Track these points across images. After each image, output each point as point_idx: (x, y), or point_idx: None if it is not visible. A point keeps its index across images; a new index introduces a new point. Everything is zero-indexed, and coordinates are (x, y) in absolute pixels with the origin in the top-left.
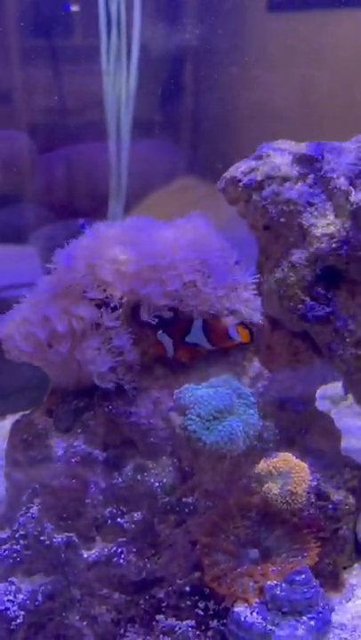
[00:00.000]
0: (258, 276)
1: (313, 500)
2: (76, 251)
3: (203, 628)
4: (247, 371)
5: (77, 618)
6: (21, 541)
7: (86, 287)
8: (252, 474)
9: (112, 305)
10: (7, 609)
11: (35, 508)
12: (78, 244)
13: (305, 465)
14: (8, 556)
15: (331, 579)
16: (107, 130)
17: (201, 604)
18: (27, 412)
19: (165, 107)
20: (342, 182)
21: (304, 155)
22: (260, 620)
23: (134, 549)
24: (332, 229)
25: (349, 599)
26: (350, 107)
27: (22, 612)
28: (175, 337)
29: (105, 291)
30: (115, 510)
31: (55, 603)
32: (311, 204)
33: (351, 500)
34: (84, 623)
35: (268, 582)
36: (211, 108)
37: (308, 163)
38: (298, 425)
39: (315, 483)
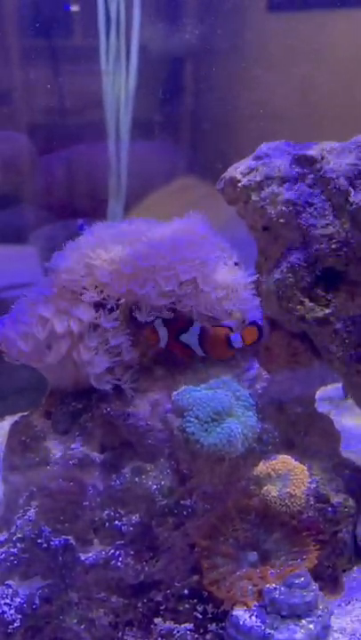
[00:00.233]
0: (257, 276)
1: (312, 503)
2: (73, 252)
3: (201, 631)
4: (246, 372)
5: (75, 621)
6: (19, 544)
7: (84, 288)
8: (251, 476)
9: (110, 306)
10: (4, 612)
11: (32, 510)
12: (76, 245)
13: (304, 467)
14: (5, 559)
15: (330, 582)
16: (106, 130)
17: (199, 608)
18: (25, 414)
19: (165, 107)
20: (342, 183)
21: (303, 155)
22: (258, 624)
23: (132, 552)
24: (331, 230)
25: (349, 602)
26: (350, 107)
27: (19, 616)
28: (171, 331)
29: (103, 292)
30: (112, 513)
31: (53, 606)
32: (310, 205)
33: (351, 502)
34: (82, 627)
35: (267, 585)
36: (210, 108)
37: (307, 163)
38: (297, 427)
39: (314, 485)
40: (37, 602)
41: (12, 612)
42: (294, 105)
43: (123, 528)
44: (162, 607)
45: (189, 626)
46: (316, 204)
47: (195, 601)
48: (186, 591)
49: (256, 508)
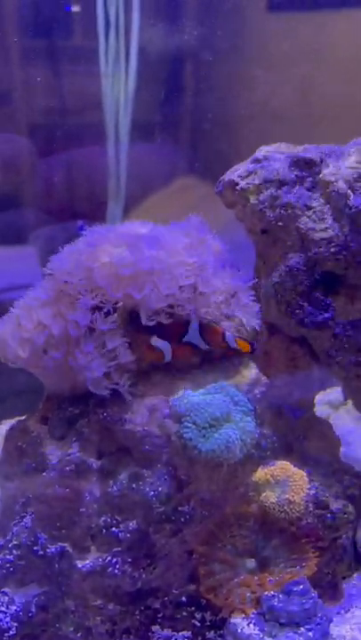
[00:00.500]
0: (255, 280)
1: (311, 509)
2: (71, 254)
3: (199, 639)
4: (244, 377)
5: (71, 629)
6: (14, 551)
7: (81, 291)
8: (250, 482)
9: (107, 309)
10: (0, 620)
11: (28, 517)
12: (74, 248)
13: (303, 473)
14: (1, 566)
15: (329, 589)
16: (105, 131)
17: (197, 615)
18: (21, 419)
19: (164, 108)
20: (341, 186)
21: (302, 158)
22: (257, 632)
23: (129, 559)
24: (330, 233)
25: (348, 609)
26: (350, 107)
27: (15, 624)
28: (173, 339)
29: (100, 295)
30: (109, 519)
31: (49, 614)
32: (309, 208)
33: (350, 508)
34: (79, 634)
35: (266, 593)
36: (210, 109)
37: (306, 166)
38: (296, 432)
39: (313, 491)
40: (33, 609)
41: (8, 619)
42: (294, 105)
43: (120, 535)
44: (159, 615)
45: (187, 633)
46: (315, 208)
47: (193, 608)
48: (184, 598)
49: (254, 514)
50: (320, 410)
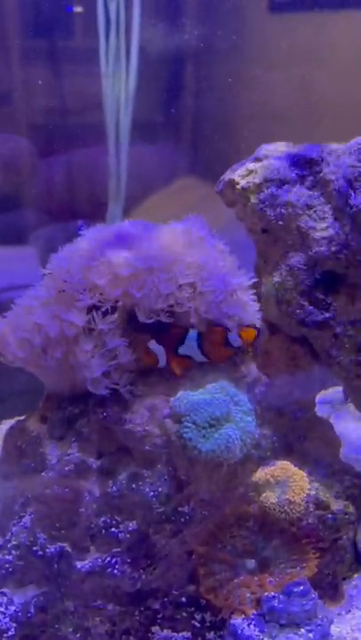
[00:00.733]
0: (256, 279)
1: (312, 510)
2: (70, 254)
3: (199, 639)
4: (244, 376)
5: (71, 630)
6: (13, 551)
7: (80, 291)
8: (250, 482)
9: (106, 309)
10: None
11: (27, 517)
12: (73, 248)
13: (304, 473)
14: (0, 567)
15: (330, 589)
16: (106, 131)
17: (197, 616)
18: (21, 419)
19: (165, 108)
20: (342, 185)
21: (303, 157)
22: (257, 633)
23: (129, 560)
24: (331, 233)
25: (349, 610)
26: (351, 107)
27: (14, 624)
28: (168, 347)
29: (99, 294)
30: (109, 520)
31: (48, 615)
32: (310, 207)
33: (351, 509)
34: (78, 635)
35: (266, 593)
36: (211, 109)
37: (307, 165)
38: (296, 432)
39: (314, 492)
40: (32, 610)
41: (7, 620)
42: (295, 105)
43: (119, 535)
44: (159, 615)
45: (187, 634)
46: (315, 207)
47: (193, 609)
48: (184, 599)
49: (255, 514)
50: (321, 409)
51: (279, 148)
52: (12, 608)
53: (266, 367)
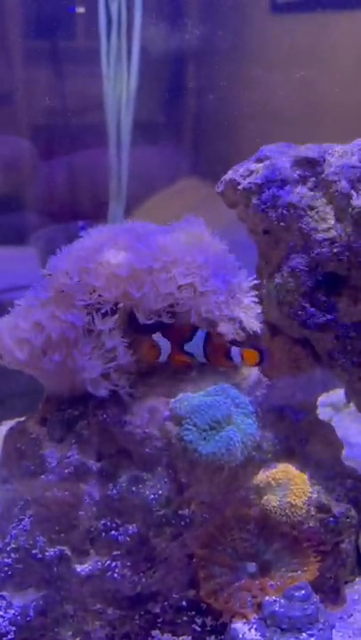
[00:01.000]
0: (257, 281)
1: (313, 513)
2: (70, 255)
3: None
4: (246, 378)
5: (70, 634)
6: (13, 554)
7: (80, 292)
8: (251, 485)
9: (105, 309)
10: None
11: (27, 520)
12: (73, 249)
13: (305, 476)
14: None
15: (331, 593)
16: (107, 132)
17: (198, 620)
18: (21, 420)
19: (167, 108)
20: (344, 186)
21: (305, 157)
22: (258, 637)
23: (129, 563)
24: (333, 234)
25: (351, 615)
26: (353, 108)
27: (13, 628)
28: (175, 341)
29: (99, 295)
30: (109, 523)
31: (47, 618)
32: (312, 208)
33: (353, 512)
34: (78, 639)
35: (267, 597)
36: (213, 110)
37: (308, 166)
38: (298, 434)
39: (315, 495)
40: (32, 614)
41: (6, 623)
42: (297, 106)
43: (119, 538)
44: (159, 619)
45: (188, 638)
46: (317, 208)
47: (193, 613)
48: (184, 603)
49: (256, 517)
50: (322, 412)
51: (281, 148)
52: (12, 611)
53: (267, 369)
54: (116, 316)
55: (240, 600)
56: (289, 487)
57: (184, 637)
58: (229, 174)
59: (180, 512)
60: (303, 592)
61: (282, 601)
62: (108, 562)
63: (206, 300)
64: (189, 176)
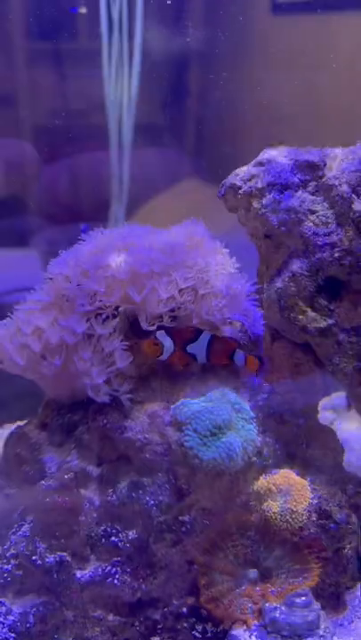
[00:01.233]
0: (259, 286)
1: (314, 519)
2: (70, 259)
3: None
4: (246, 383)
5: None
6: (12, 561)
7: (80, 296)
8: (252, 491)
9: (106, 314)
10: None
11: (27, 525)
12: (73, 252)
13: (306, 482)
14: None
15: (332, 600)
16: (109, 134)
17: (198, 627)
18: (21, 424)
19: (168, 110)
20: (345, 190)
21: (306, 161)
22: None
23: (129, 569)
24: (334, 238)
25: (352, 621)
26: (355, 110)
27: (13, 635)
28: (178, 341)
29: (99, 300)
30: (109, 529)
31: (47, 625)
32: (313, 212)
33: (354, 518)
34: None
35: (268, 604)
36: (214, 111)
37: (309, 169)
38: (299, 440)
39: (316, 501)
40: (31, 620)
41: (6, 630)
42: (298, 108)
43: (119, 544)
44: (159, 626)
45: None
46: (318, 212)
47: (193, 620)
48: (184, 609)
49: (256, 523)
50: (323, 415)
51: (282, 152)
52: (11, 618)
53: (268, 373)
54: (117, 321)
55: (241, 606)
56: (290, 493)
57: None
58: (230, 178)
59: (180, 518)
60: (304, 599)
61: (283, 607)
62: (109, 568)
63: (207, 304)
64: (191, 178)
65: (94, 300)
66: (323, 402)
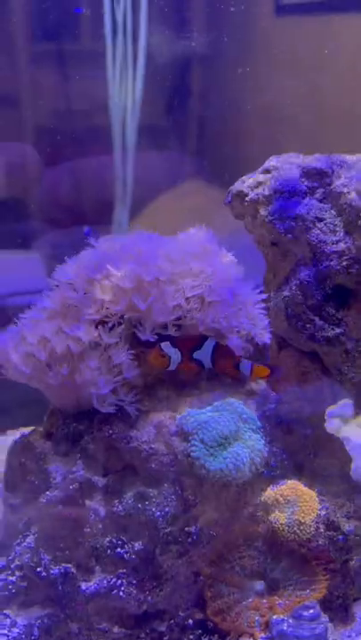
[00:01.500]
0: (266, 295)
1: (322, 530)
2: (76, 267)
3: None
4: (253, 393)
5: None
6: (17, 572)
7: (86, 305)
8: (259, 502)
9: (112, 323)
10: None
11: (31, 536)
12: (79, 260)
13: (314, 493)
14: (3, 588)
15: (340, 612)
16: (112, 135)
17: (204, 639)
18: (25, 433)
19: (172, 112)
20: (353, 198)
21: (313, 168)
22: None
23: (135, 581)
24: (342, 247)
25: (360, 633)
26: (359, 111)
27: None
28: (184, 350)
29: (105, 308)
30: (115, 540)
31: (52, 637)
32: (321, 220)
33: None
34: None
35: (275, 617)
36: (218, 113)
37: (317, 177)
38: (306, 449)
39: (324, 512)
40: (36, 633)
41: None
42: (303, 110)
43: (125, 556)
44: (165, 638)
45: None
46: (326, 220)
47: (199, 632)
48: (190, 622)
49: (264, 535)
50: (329, 423)
51: (289, 159)
52: (16, 630)
53: (275, 382)
54: (122, 329)
55: (248, 619)
56: (297, 504)
57: None
58: (237, 185)
59: (186, 529)
60: (312, 611)
61: (290, 620)
62: (114, 580)
63: (214, 312)
64: (195, 179)
65: (100, 308)
66: (329, 410)
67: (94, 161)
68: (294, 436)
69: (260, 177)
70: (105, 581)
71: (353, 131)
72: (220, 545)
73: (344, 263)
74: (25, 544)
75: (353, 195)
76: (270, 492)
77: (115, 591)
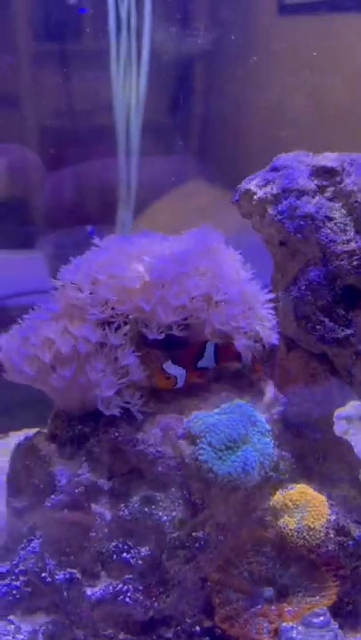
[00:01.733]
0: (274, 295)
1: (332, 536)
2: (81, 267)
3: None
4: (261, 395)
5: None
6: (21, 577)
7: (91, 305)
8: (267, 507)
9: (117, 323)
10: None
11: (36, 541)
12: (84, 260)
13: (324, 498)
14: (7, 593)
15: (350, 618)
16: (116, 135)
17: None
18: (29, 435)
19: (176, 111)
20: None
21: (323, 167)
22: None
23: (141, 587)
24: (353, 246)
25: None
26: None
27: None
28: (188, 364)
29: (110, 309)
30: (120, 545)
31: None
32: (330, 219)
33: None
34: None
35: (284, 624)
36: (221, 113)
37: (327, 175)
38: (315, 453)
39: (334, 517)
40: (41, 639)
41: None
42: (306, 109)
43: (131, 561)
44: None
45: None
46: (336, 219)
47: (207, 639)
48: (197, 628)
49: (272, 540)
50: (337, 425)
51: (298, 157)
52: (20, 637)
53: (283, 384)
54: (128, 329)
55: (256, 626)
56: (307, 509)
57: None
58: (244, 184)
59: (194, 534)
60: (322, 618)
61: (300, 627)
62: (120, 585)
63: (221, 312)
64: (198, 178)
65: (105, 309)
66: (337, 412)
67: (97, 160)
68: (303, 439)
69: (269, 175)
70: (111, 587)
71: (355, 130)
72: (228, 550)
73: (355, 263)
74: (29, 549)
75: None
76: (279, 497)
77: (121, 597)
